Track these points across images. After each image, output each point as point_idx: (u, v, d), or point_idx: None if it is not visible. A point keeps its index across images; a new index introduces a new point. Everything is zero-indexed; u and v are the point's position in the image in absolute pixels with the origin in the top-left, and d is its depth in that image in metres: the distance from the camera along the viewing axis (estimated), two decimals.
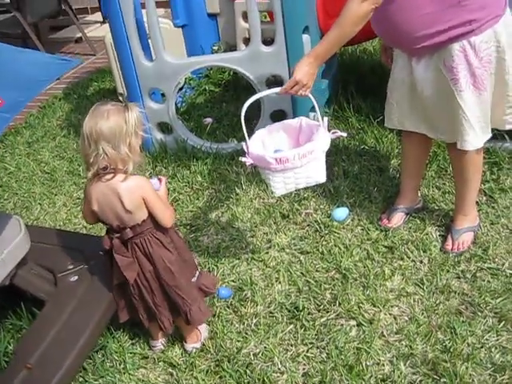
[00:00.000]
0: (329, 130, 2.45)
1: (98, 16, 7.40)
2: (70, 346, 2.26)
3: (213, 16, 4.72)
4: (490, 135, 2.58)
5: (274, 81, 3.77)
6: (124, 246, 2.25)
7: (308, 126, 2.53)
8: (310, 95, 2.48)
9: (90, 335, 2.34)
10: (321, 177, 2.48)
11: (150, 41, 3.78)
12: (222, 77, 4.69)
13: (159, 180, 2.30)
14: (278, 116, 3.72)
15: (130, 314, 2.46)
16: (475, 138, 2.53)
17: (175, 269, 2.28)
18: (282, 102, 3.64)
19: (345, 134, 2.49)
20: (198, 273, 2.45)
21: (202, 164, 3.73)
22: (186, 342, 2.52)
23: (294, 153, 2.33)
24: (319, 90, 3.88)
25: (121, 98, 4.76)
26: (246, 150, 2.42)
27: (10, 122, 1.83)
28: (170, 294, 2.33)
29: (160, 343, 2.55)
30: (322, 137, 2.40)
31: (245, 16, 4.47)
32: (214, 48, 4.73)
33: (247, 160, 2.39)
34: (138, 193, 2.15)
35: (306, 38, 3.51)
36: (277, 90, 2.53)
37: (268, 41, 3.59)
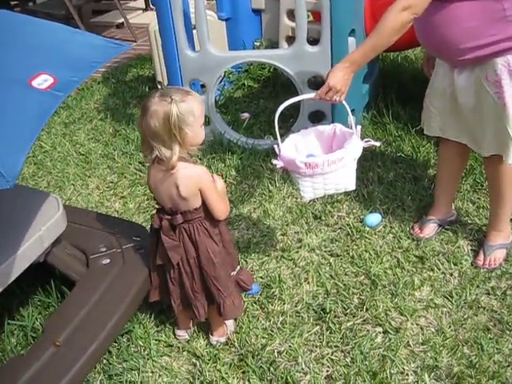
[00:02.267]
0: (362, 138, 2.45)
1: (140, 3, 7.44)
2: (98, 327, 2.28)
3: (257, 12, 4.72)
4: None
5: (314, 81, 3.77)
6: (172, 229, 2.28)
7: (342, 132, 2.53)
8: (344, 102, 2.47)
9: (119, 319, 2.35)
10: (350, 184, 2.48)
11: (194, 32, 3.81)
12: (261, 73, 4.69)
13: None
14: (317, 116, 3.73)
15: (161, 296, 2.48)
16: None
17: (217, 260, 2.30)
18: (322, 102, 3.62)
19: (378, 144, 2.50)
20: (238, 267, 2.46)
21: (237, 158, 3.75)
22: (212, 334, 2.53)
23: (323, 159, 2.34)
24: (359, 95, 3.88)
25: (159, 86, 4.79)
26: (277, 153, 2.44)
27: (62, 100, 1.85)
28: (207, 283, 2.35)
29: (186, 333, 2.56)
30: (354, 145, 2.39)
31: (289, 14, 4.47)
32: (256, 44, 4.73)
33: (278, 163, 2.41)
34: (194, 182, 2.17)
35: (351, 40, 3.51)
36: (311, 95, 2.53)
37: (310, 40, 3.58)
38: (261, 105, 4.44)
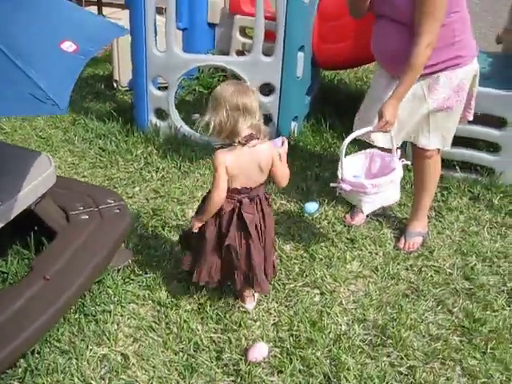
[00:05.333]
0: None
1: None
2: (82, 267, 2.62)
3: (212, 25, 5.20)
4: (448, 148, 3.14)
5: (263, 88, 4.22)
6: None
7: (379, 155, 3.06)
8: (392, 132, 2.93)
9: (97, 264, 2.70)
10: (397, 196, 3.03)
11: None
12: (211, 81, 5.10)
13: (282, 141, 2.66)
14: (264, 119, 4.18)
15: (209, 277, 2.74)
16: (436, 141, 3.08)
17: (273, 233, 2.74)
18: (269, 107, 4.11)
19: (409, 163, 3.11)
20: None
21: (190, 151, 4.15)
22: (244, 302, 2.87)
23: (386, 179, 2.89)
24: (302, 105, 4.38)
25: (115, 85, 5.15)
26: (340, 178, 2.88)
27: (85, 63, 2.21)
28: (265, 254, 2.70)
29: (251, 304, 2.87)
30: (399, 165, 2.94)
31: (241, 30, 4.97)
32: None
33: (345, 186, 2.85)
34: (270, 155, 2.51)
35: (300, 55, 4.02)
36: (370, 128, 2.94)
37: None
38: None
